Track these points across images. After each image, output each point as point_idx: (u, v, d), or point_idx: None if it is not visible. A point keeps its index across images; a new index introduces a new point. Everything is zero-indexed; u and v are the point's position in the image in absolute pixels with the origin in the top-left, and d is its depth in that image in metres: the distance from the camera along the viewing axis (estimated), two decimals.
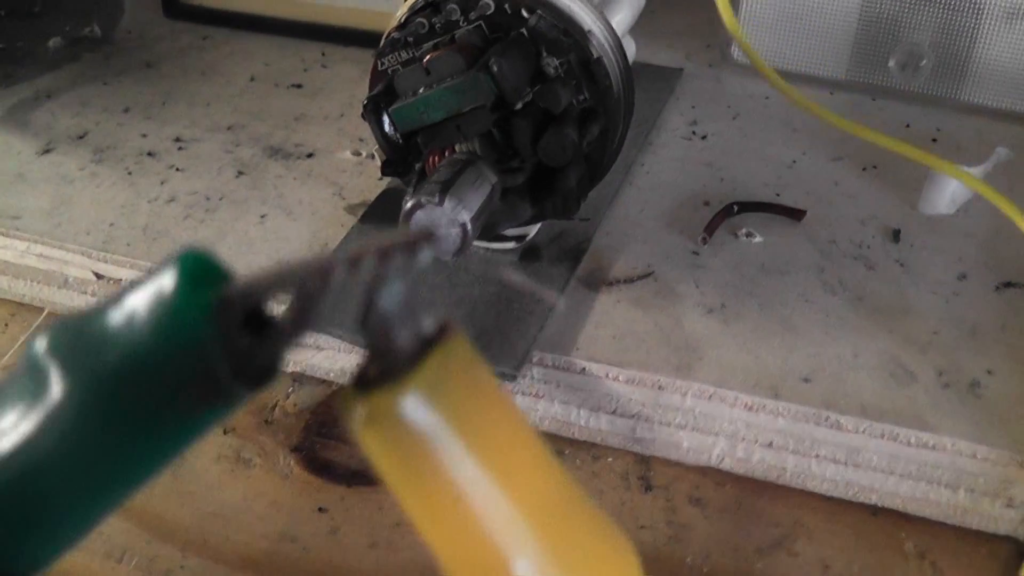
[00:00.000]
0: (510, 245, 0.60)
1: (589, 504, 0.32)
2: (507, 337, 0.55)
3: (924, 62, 0.74)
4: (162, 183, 0.69)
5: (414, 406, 0.27)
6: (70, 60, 0.86)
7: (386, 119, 0.55)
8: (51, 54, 0.86)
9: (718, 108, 0.78)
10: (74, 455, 0.28)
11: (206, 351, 0.27)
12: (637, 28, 0.75)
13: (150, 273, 0.29)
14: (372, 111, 0.54)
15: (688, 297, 0.59)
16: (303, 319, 0.27)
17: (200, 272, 0.28)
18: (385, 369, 0.27)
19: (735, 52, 0.80)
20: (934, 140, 0.74)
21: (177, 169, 0.70)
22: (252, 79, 0.83)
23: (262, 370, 0.28)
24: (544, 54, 0.54)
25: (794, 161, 0.72)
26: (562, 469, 0.31)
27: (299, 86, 0.82)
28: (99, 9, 0.91)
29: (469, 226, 0.48)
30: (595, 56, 0.55)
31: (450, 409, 0.27)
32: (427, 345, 0.27)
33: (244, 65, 0.85)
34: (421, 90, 0.52)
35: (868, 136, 0.65)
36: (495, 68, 0.51)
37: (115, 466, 0.28)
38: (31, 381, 0.28)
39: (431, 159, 0.55)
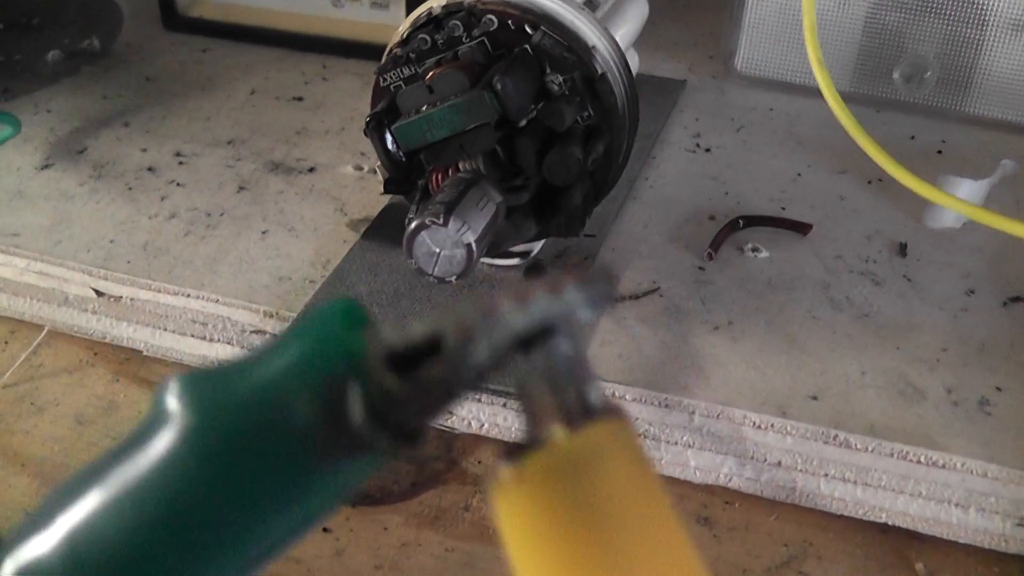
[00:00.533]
0: (514, 262, 0.60)
1: None
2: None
3: (929, 74, 0.74)
4: (162, 199, 0.68)
5: (568, 471, 0.25)
6: (69, 73, 0.85)
7: (389, 137, 0.54)
8: (50, 67, 0.86)
9: (722, 121, 0.78)
10: (189, 501, 0.26)
11: (346, 384, 0.25)
12: (639, 39, 0.75)
13: (297, 322, 0.28)
14: (375, 129, 0.54)
15: (694, 314, 0.58)
16: (458, 364, 0.25)
17: (351, 317, 0.27)
18: (539, 432, 0.25)
19: (738, 64, 0.80)
20: (939, 152, 0.74)
21: (178, 184, 0.70)
22: (252, 92, 0.82)
23: (405, 424, 0.26)
24: (548, 71, 0.54)
25: (799, 174, 0.71)
26: None
27: (300, 99, 0.81)
28: (98, 22, 0.90)
29: (474, 247, 0.47)
30: (599, 73, 0.54)
31: (599, 489, 0.25)
32: (592, 416, 0.25)
33: (244, 78, 0.84)
34: (424, 108, 0.52)
35: (875, 155, 0.65)
36: (499, 86, 0.50)
37: (241, 522, 0.26)
38: (156, 422, 0.26)
39: (434, 177, 0.55)
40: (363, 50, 0.84)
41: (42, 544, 0.26)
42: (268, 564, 0.27)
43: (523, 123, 0.53)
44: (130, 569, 0.25)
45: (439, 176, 0.55)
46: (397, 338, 0.26)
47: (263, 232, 0.65)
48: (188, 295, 0.60)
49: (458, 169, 0.54)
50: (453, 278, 0.48)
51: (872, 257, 0.63)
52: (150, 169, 0.72)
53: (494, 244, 0.54)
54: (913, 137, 0.75)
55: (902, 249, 0.64)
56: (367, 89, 0.57)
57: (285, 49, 0.88)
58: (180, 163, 0.72)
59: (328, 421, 0.26)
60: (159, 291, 0.61)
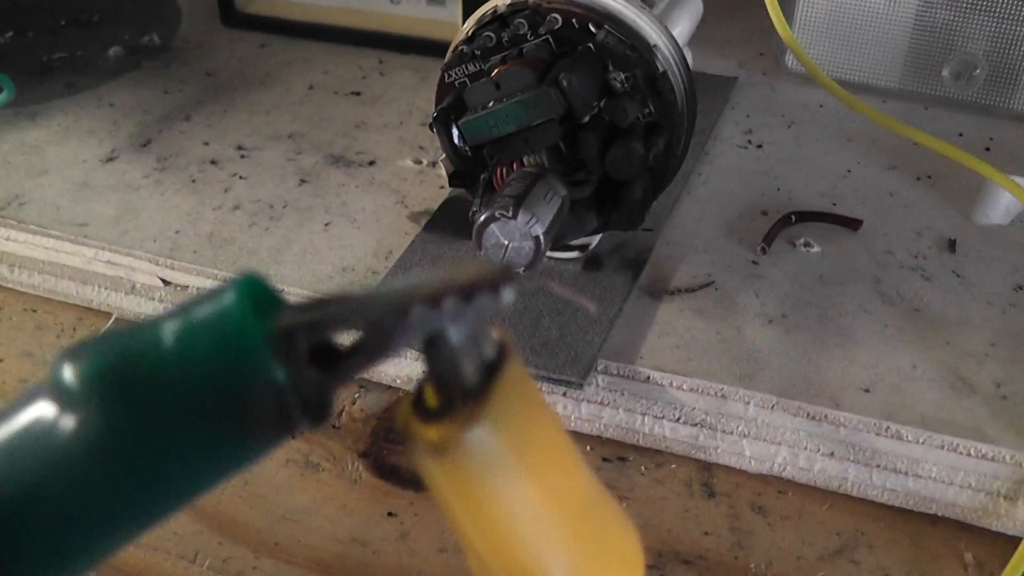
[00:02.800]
0: (574, 255, 0.61)
1: (605, 497, 0.32)
2: (572, 347, 0.56)
3: (978, 71, 0.75)
4: (226, 191, 0.70)
5: (482, 437, 0.27)
6: (130, 69, 0.87)
7: (455, 131, 0.56)
8: (112, 63, 0.88)
9: (773, 117, 0.79)
10: (88, 489, 0.25)
11: (272, 384, 0.25)
12: (692, 37, 0.76)
13: (199, 297, 0.26)
14: (442, 123, 0.55)
15: (749, 307, 0.59)
16: (374, 355, 0.26)
17: (260, 299, 0.26)
18: (451, 398, 0.27)
19: (789, 61, 0.81)
20: (987, 149, 0.75)
21: (240, 177, 0.72)
22: (311, 87, 0.84)
23: (323, 405, 0.26)
24: (611, 68, 0.55)
25: (849, 170, 0.72)
26: (584, 464, 0.32)
27: (358, 94, 0.83)
28: (157, 18, 0.93)
29: (542, 239, 0.49)
30: (661, 71, 0.56)
31: (513, 436, 0.28)
32: (490, 371, 0.27)
33: (303, 73, 0.86)
34: (491, 104, 0.54)
35: (926, 142, 0.66)
36: (565, 83, 0.52)
37: (135, 502, 0.26)
38: (51, 404, 0.25)
39: (499, 171, 0.57)
40: (419, 46, 0.86)
41: None
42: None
43: (586, 119, 0.55)
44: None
45: (503, 171, 0.56)
46: (314, 322, 0.26)
47: (326, 224, 0.67)
48: None
49: (522, 164, 0.56)
50: (521, 269, 0.50)
51: (922, 252, 0.64)
52: (213, 162, 0.74)
53: (557, 236, 0.56)
54: (961, 134, 0.76)
55: (951, 245, 0.65)
56: (424, 84, 0.59)
57: (342, 45, 0.89)
58: (242, 156, 0.74)
59: (251, 413, 0.26)
60: (225, 280, 0.62)
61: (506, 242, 0.49)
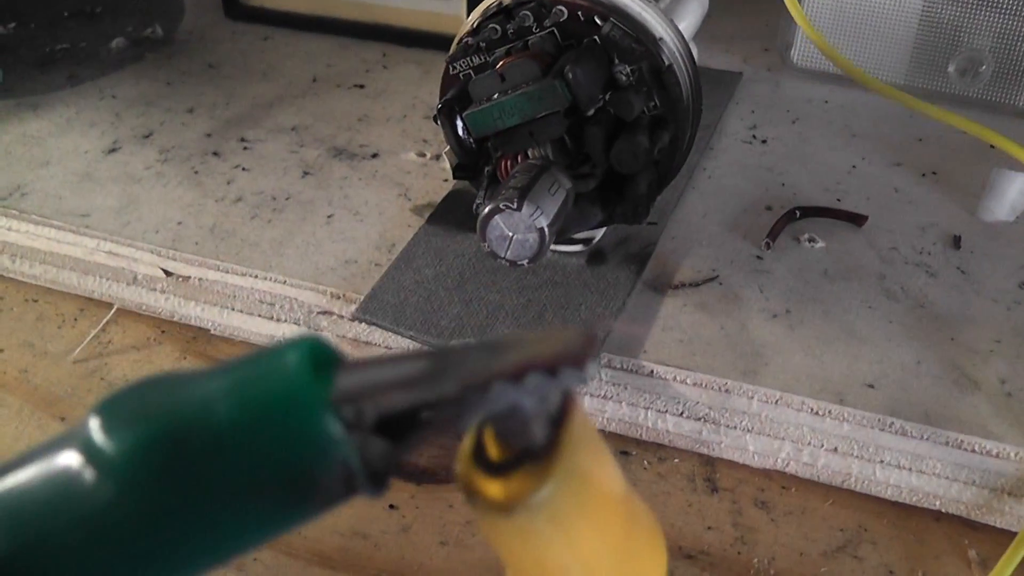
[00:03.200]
0: (577, 248, 0.61)
1: (651, 531, 0.32)
2: None
3: (984, 68, 0.74)
4: (228, 183, 0.70)
5: (550, 495, 0.26)
6: (133, 60, 0.87)
7: (459, 123, 0.55)
8: (114, 55, 0.88)
9: (777, 112, 0.79)
10: (119, 554, 0.23)
11: (339, 458, 0.24)
12: (696, 32, 0.76)
13: (251, 358, 0.25)
14: (447, 115, 0.55)
15: (753, 302, 0.59)
16: (445, 429, 0.25)
17: (320, 361, 0.24)
18: (518, 456, 0.26)
19: (795, 56, 0.81)
20: (991, 146, 0.74)
21: (243, 169, 0.72)
22: (314, 80, 0.84)
23: (387, 474, 0.25)
24: (616, 62, 0.55)
25: (853, 166, 0.72)
26: (637, 501, 0.31)
27: (361, 87, 0.83)
28: (160, 10, 0.92)
29: (547, 232, 0.49)
30: (667, 64, 0.56)
31: (578, 492, 0.27)
32: (555, 425, 0.27)
33: (306, 66, 0.86)
34: (496, 96, 0.53)
35: (945, 118, 0.65)
36: (570, 76, 0.51)
37: (171, 568, 0.24)
38: (85, 464, 0.24)
39: (503, 164, 0.56)
40: (423, 39, 0.86)
41: None
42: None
43: (591, 112, 0.54)
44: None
45: (507, 163, 0.56)
46: (378, 404, 0.24)
47: (328, 216, 0.67)
48: (256, 276, 0.62)
49: (527, 156, 0.56)
50: (525, 261, 0.50)
51: (926, 249, 0.64)
52: (215, 154, 0.74)
53: (561, 230, 0.56)
54: (965, 132, 0.76)
55: (956, 241, 0.64)
56: (427, 78, 0.59)
57: (345, 37, 0.89)
58: (244, 148, 0.74)
59: (313, 484, 0.24)
60: (227, 272, 0.62)
61: (510, 234, 0.49)
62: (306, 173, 0.71)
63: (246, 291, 0.62)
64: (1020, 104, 0.76)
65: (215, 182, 0.70)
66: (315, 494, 0.24)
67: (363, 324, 0.59)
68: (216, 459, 0.23)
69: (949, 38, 0.75)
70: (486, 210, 0.49)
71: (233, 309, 0.63)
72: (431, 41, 0.85)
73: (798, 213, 0.65)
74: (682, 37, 0.59)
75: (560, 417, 0.27)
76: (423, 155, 0.73)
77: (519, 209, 0.48)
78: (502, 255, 0.50)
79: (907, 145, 0.72)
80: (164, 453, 0.23)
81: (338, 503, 0.25)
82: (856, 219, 0.66)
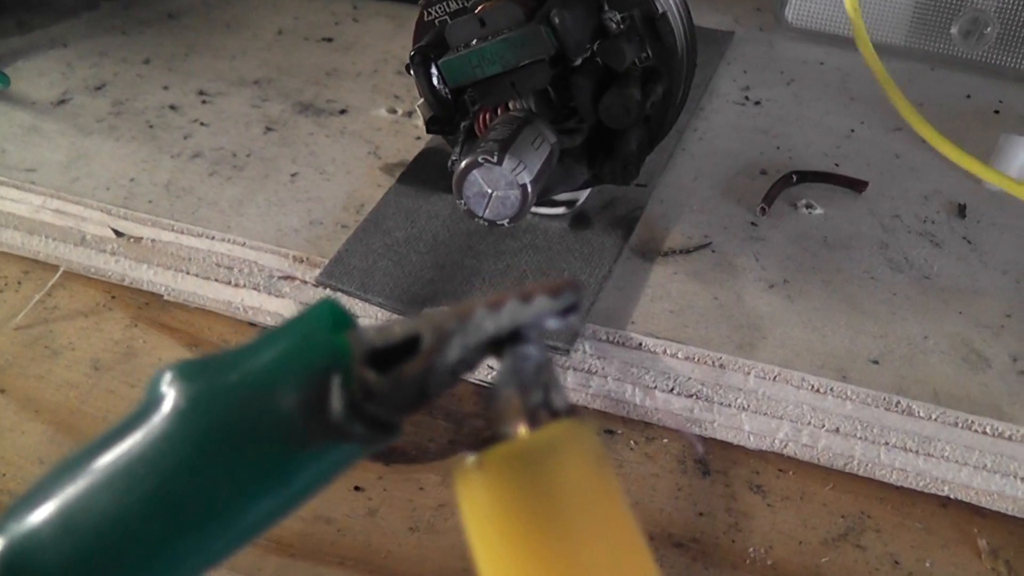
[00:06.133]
0: (560, 211, 0.57)
1: None
2: None
3: (989, 29, 0.70)
4: (185, 138, 0.65)
5: (526, 463, 0.26)
6: (88, 8, 0.82)
7: (434, 72, 0.51)
8: (68, 2, 0.82)
9: (771, 74, 0.75)
10: (178, 479, 0.27)
11: (329, 378, 0.27)
12: None
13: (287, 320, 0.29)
14: (420, 63, 0.50)
15: (748, 271, 0.55)
16: (433, 362, 0.27)
17: (336, 318, 0.28)
18: (504, 428, 0.27)
19: (789, 15, 0.76)
20: (996, 112, 0.71)
21: (201, 124, 0.67)
22: (280, 32, 0.79)
23: (383, 417, 0.27)
24: (606, 8, 0.51)
25: (852, 130, 0.68)
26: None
27: (330, 40, 0.78)
28: None
29: (529, 188, 0.44)
30: (660, 11, 0.51)
31: (555, 482, 0.26)
32: (554, 416, 0.27)
33: (271, 18, 0.81)
34: (475, 42, 0.49)
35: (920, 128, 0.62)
36: (557, 20, 0.47)
37: (226, 501, 0.27)
38: (149, 405, 0.28)
39: (481, 118, 0.52)
40: None
41: (36, 518, 0.26)
42: (249, 541, 0.28)
43: (579, 61, 0.50)
44: (120, 541, 0.26)
45: (486, 116, 0.52)
46: (378, 337, 0.28)
47: (292, 174, 0.62)
48: (213, 237, 0.57)
49: (508, 109, 0.51)
50: (505, 221, 0.45)
51: (930, 217, 0.60)
52: (172, 107, 0.69)
53: (544, 189, 0.52)
54: (969, 96, 0.72)
55: (961, 210, 0.61)
56: (400, 32, 0.55)
57: None
58: (204, 102, 0.69)
59: (311, 412, 0.27)
60: (182, 232, 0.58)
61: (489, 190, 0.45)
62: (269, 129, 0.66)
63: (202, 253, 0.58)
64: None
65: (171, 137, 0.65)
66: (310, 419, 0.27)
67: (328, 290, 0.54)
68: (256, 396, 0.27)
69: None
70: (463, 164, 0.44)
71: (188, 273, 0.59)
72: None
73: (795, 178, 0.61)
74: None
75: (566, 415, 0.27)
76: (394, 111, 0.68)
77: (500, 163, 0.44)
78: (480, 214, 0.45)
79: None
80: (221, 401, 0.27)
81: (331, 439, 0.27)
82: (856, 185, 0.62)
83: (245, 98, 0.70)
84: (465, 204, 0.45)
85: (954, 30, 0.71)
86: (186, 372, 0.28)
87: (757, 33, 0.80)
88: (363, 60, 0.75)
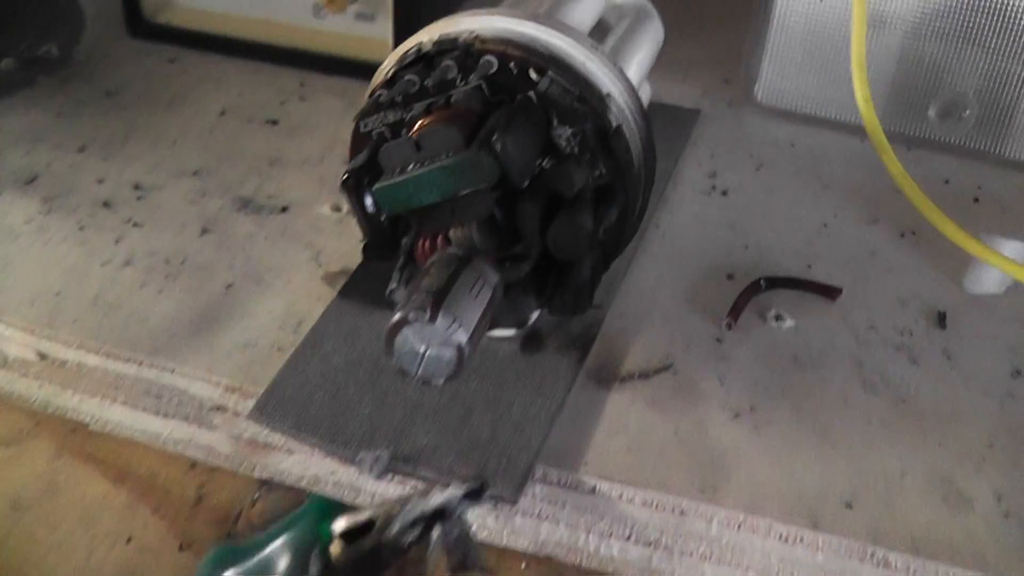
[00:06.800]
0: (510, 332, 0.53)
1: None
2: (506, 451, 0.48)
3: (968, 112, 0.67)
4: (117, 241, 0.61)
5: None
6: (23, 85, 0.77)
7: (369, 198, 0.47)
8: (3, 78, 0.78)
9: (739, 156, 0.71)
10: None
11: (311, 552, 0.41)
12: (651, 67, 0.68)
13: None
14: (352, 188, 0.46)
15: (712, 396, 0.51)
16: (381, 536, 0.39)
17: (325, 511, 0.44)
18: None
19: (759, 92, 0.73)
20: (975, 200, 0.67)
21: (135, 224, 0.63)
22: (223, 113, 0.75)
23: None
24: (555, 124, 0.47)
25: (825, 224, 0.64)
26: None
27: (275, 122, 0.74)
28: (59, 24, 0.82)
29: (466, 347, 0.40)
30: (615, 126, 0.47)
31: None
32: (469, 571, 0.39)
33: (215, 95, 0.77)
34: (411, 167, 0.45)
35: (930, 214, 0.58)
36: (498, 147, 0.43)
37: None
38: None
39: (422, 242, 0.48)
40: (346, 66, 0.76)
41: None
42: None
43: (526, 183, 0.46)
44: None
45: (426, 243, 0.48)
46: (350, 519, 0.40)
47: (228, 285, 0.58)
48: (141, 363, 0.53)
49: (447, 239, 0.47)
50: (440, 380, 0.41)
51: (908, 328, 0.56)
52: (106, 204, 0.65)
53: (489, 324, 0.48)
54: (947, 181, 0.69)
55: (941, 319, 0.57)
56: (350, 111, 0.50)
57: (260, 62, 0.80)
58: (139, 198, 0.65)
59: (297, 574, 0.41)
60: (109, 356, 0.54)
61: (422, 348, 0.41)
62: (206, 230, 0.62)
63: (130, 380, 0.54)
64: (1007, 153, 0.68)
65: (103, 240, 0.61)
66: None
67: (261, 426, 0.50)
68: None
69: (930, 78, 0.67)
70: (393, 320, 0.40)
71: (115, 401, 0.55)
72: (355, 69, 0.75)
73: (763, 284, 0.58)
74: (633, 90, 0.51)
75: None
76: (339, 209, 0.64)
77: (432, 320, 0.40)
78: (413, 373, 0.41)
79: (884, 197, 0.64)
80: None
81: None
82: (829, 292, 0.58)
83: (183, 192, 0.66)
84: (396, 362, 0.41)
85: (932, 112, 0.68)
86: (221, 557, 0.43)
87: (725, 110, 0.76)
88: (309, 145, 0.71)
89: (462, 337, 0.40)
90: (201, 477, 0.55)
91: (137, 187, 0.66)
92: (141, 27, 0.82)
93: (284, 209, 0.64)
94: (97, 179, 0.67)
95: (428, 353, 0.41)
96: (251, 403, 0.51)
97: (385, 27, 0.75)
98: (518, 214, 0.46)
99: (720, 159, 0.70)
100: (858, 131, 0.71)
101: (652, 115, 0.61)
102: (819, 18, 0.67)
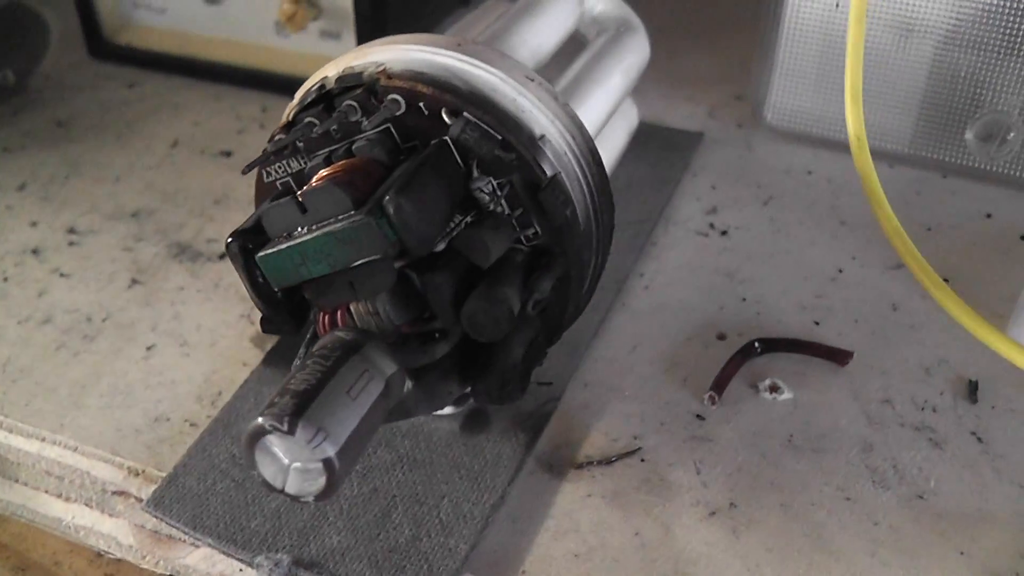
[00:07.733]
0: (448, 411, 0.45)
1: None
2: (427, 557, 0.40)
3: (1012, 135, 0.57)
4: (40, 295, 0.55)
5: None
6: None
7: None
8: None
9: (745, 188, 0.62)
10: None
11: None
12: (650, 74, 0.59)
13: None
14: (238, 254, 0.39)
15: (685, 488, 0.43)
16: None
17: None
18: None
19: (768, 115, 0.63)
20: (1023, 238, 0.57)
21: (61, 275, 0.56)
22: (175, 144, 0.68)
23: None
24: (476, 174, 0.39)
25: (840, 270, 0.55)
26: None
27: (228, 154, 0.67)
28: (18, 46, 0.76)
29: (335, 462, 0.32)
30: (547, 177, 0.39)
31: None
32: None
33: (169, 124, 0.70)
34: (298, 231, 0.37)
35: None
36: (391, 209, 0.35)
37: None
38: None
39: (321, 318, 0.40)
40: None
41: None
42: None
43: (441, 246, 0.39)
44: None
45: (327, 316, 0.40)
46: None
47: (148, 347, 0.51)
48: (43, 439, 0.47)
49: (348, 312, 0.39)
50: (311, 498, 0.34)
51: (931, 402, 0.47)
52: (35, 252, 0.58)
53: (402, 412, 0.40)
54: (990, 215, 0.59)
55: (972, 391, 0.48)
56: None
57: (221, 84, 0.73)
58: (71, 244, 0.59)
59: None
60: (11, 431, 0.48)
61: (287, 462, 0.33)
62: (135, 281, 0.56)
63: (32, 458, 0.48)
64: None
65: (24, 294, 0.55)
66: None
67: (156, 519, 0.44)
68: None
69: (967, 96, 0.58)
70: (249, 429, 0.33)
71: (16, 481, 0.49)
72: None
73: (758, 347, 0.49)
74: (580, 127, 0.42)
75: None
76: None
77: (291, 432, 0.32)
78: (279, 488, 0.34)
79: (912, 237, 0.55)
80: None
81: None
82: (837, 356, 0.49)
83: (119, 237, 0.59)
84: (259, 476, 0.34)
85: (970, 135, 0.58)
86: None
87: (733, 132, 0.67)
88: None
89: (329, 451, 0.32)
90: (107, 568, 0.48)
91: (72, 231, 0.60)
92: (101, 48, 0.76)
93: (222, 256, 0.57)
94: (31, 222, 0.61)
95: (293, 467, 0.33)
96: (153, 489, 0.44)
97: (351, 46, 0.67)
98: (425, 289, 0.38)
99: (723, 191, 0.62)
100: (886, 156, 0.62)
101: (647, 140, 0.53)
102: (835, 26, 0.58)
